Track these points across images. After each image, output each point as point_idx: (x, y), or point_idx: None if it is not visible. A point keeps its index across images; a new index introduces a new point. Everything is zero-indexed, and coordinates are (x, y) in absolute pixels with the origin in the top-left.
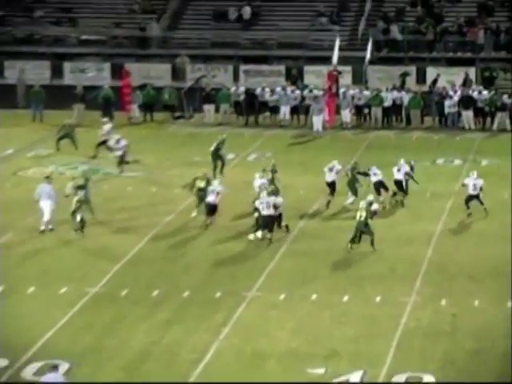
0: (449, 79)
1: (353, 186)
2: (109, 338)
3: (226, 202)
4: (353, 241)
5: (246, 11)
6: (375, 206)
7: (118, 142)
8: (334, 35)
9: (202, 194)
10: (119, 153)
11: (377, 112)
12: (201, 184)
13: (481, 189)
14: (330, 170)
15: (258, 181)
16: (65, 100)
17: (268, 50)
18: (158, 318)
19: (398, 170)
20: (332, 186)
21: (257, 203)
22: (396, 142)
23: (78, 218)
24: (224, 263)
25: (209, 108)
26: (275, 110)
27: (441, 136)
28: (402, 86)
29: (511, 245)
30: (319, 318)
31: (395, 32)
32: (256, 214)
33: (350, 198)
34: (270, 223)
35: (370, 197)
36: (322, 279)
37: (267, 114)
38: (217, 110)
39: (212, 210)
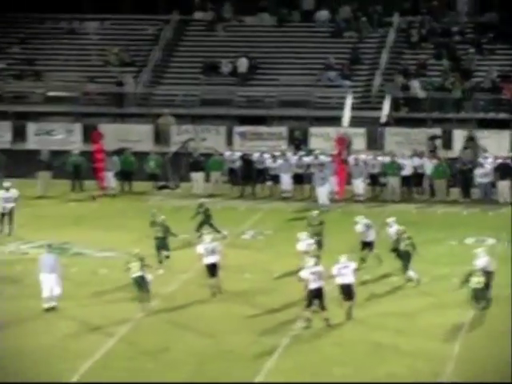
0: (479, 144)
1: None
2: None
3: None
4: None
5: (242, 64)
6: None
7: None
8: (345, 92)
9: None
10: None
11: (394, 182)
12: (135, 269)
13: None
14: (368, 226)
15: (304, 242)
16: (28, 167)
17: (267, 108)
18: None
19: None
20: (370, 245)
21: (304, 274)
22: (417, 218)
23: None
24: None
25: (197, 177)
26: (275, 179)
27: (470, 210)
28: (432, 151)
29: None
30: None
31: (416, 88)
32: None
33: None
34: (320, 297)
35: None
36: None
37: (267, 183)
38: (207, 178)
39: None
